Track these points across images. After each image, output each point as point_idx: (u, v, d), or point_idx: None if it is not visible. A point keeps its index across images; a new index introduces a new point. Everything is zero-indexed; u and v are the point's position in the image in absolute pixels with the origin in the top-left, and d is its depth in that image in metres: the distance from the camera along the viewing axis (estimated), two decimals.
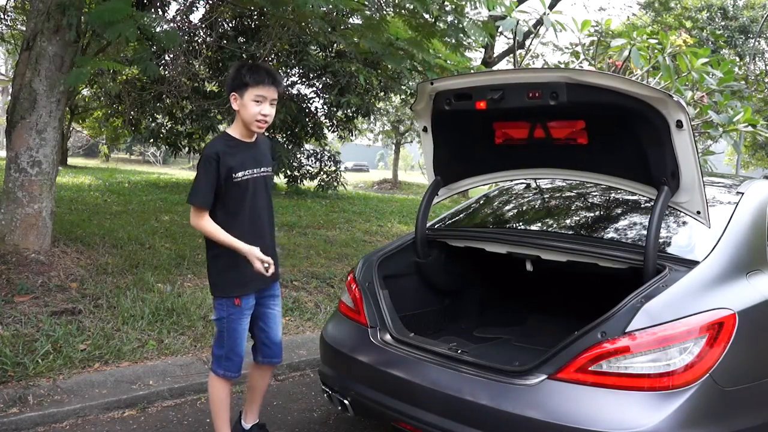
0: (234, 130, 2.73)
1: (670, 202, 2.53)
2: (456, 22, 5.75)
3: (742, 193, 2.86)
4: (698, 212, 2.49)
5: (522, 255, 2.99)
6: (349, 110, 12.97)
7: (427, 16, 5.98)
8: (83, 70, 4.79)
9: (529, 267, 3.11)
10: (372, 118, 18.20)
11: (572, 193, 3.53)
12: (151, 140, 14.81)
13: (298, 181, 15.62)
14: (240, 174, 2.66)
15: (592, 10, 46.10)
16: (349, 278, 3.05)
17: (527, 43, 15.48)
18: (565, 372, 2.15)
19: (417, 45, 5.83)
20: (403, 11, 6.03)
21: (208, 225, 2.64)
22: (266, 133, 2.93)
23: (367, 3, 5.91)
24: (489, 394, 2.25)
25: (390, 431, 3.15)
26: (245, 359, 2.86)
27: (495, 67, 18.11)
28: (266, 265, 2.63)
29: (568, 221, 3.27)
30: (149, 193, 12.37)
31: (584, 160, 2.90)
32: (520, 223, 3.39)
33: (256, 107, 2.61)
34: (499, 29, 5.07)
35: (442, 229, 3.36)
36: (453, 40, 5.96)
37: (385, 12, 6.10)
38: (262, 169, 2.77)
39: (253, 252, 2.62)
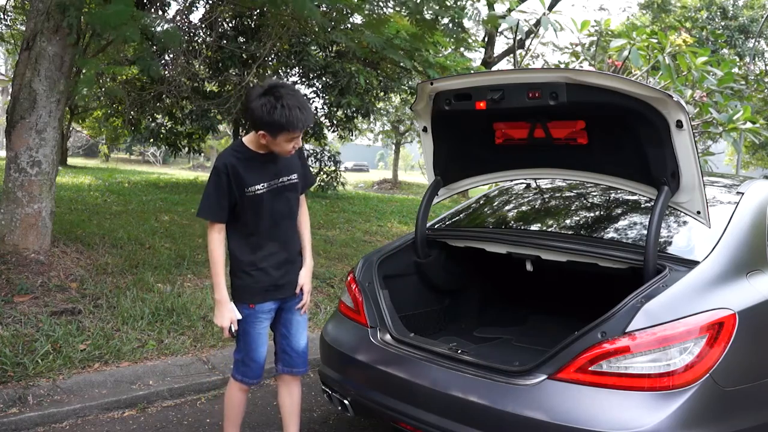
0: (250, 141, 2.56)
1: (671, 202, 2.53)
2: (456, 18, 5.75)
3: (742, 193, 2.85)
4: (698, 212, 2.49)
5: (522, 255, 2.99)
6: (349, 110, 12.96)
7: (427, 14, 5.99)
8: (89, 74, 4.78)
9: (529, 267, 3.11)
10: (372, 118, 18.17)
11: (572, 193, 3.53)
12: (151, 140, 14.79)
13: None
14: (253, 188, 2.53)
15: (591, 10, 46.07)
16: (349, 278, 3.04)
17: (527, 43, 15.46)
18: (565, 372, 2.15)
19: (419, 39, 5.84)
20: (403, 9, 6.04)
21: (212, 244, 2.55)
22: None
23: (365, 2, 5.92)
24: (489, 394, 2.25)
25: (390, 431, 3.15)
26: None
27: (495, 67, 18.11)
28: (232, 327, 2.56)
29: (568, 221, 3.27)
30: (149, 193, 12.36)
31: (584, 160, 2.89)
32: (520, 223, 3.38)
33: (289, 145, 2.47)
34: (500, 28, 5.07)
35: (442, 229, 3.36)
36: (453, 36, 5.97)
37: (385, 10, 6.11)
38: (282, 179, 2.60)
39: (222, 305, 2.55)
